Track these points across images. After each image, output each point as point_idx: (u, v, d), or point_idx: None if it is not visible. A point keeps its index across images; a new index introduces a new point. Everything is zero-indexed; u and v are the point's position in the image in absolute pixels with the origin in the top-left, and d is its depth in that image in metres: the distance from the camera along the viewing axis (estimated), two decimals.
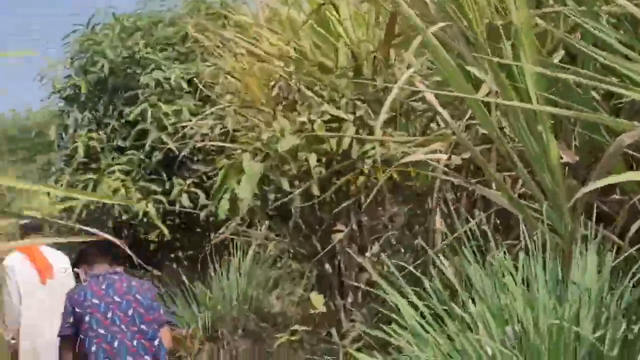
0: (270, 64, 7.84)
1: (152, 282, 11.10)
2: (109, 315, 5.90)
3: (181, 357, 9.89)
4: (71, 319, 5.98)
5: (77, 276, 6.62)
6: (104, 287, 6.01)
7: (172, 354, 9.82)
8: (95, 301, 5.93)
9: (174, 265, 12.21)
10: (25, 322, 8.46)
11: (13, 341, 8.66)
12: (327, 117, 7.01)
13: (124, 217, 11.00)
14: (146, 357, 5.92)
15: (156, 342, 5.99)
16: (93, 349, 5.86)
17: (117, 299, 5.97)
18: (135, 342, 5.90)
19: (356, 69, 7.04)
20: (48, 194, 12.30)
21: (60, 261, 8.53)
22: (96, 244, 6.26)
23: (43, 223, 10.01)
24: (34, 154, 20.25)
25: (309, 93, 7.41)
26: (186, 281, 10.41)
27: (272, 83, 7.67)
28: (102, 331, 5.88)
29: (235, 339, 9.51)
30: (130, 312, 5.94)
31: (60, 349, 6.20)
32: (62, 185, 11.64)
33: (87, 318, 5.90)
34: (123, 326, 5.90)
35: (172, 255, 12.75)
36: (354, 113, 6.90)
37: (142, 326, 5.95)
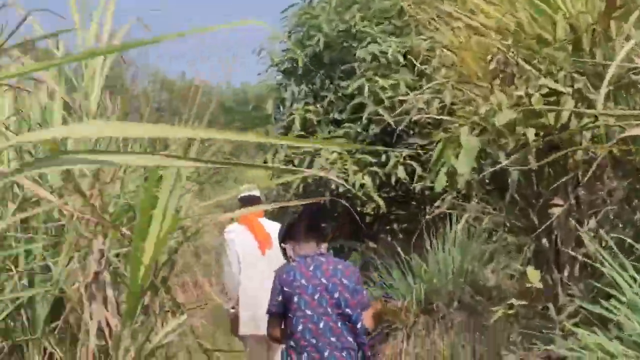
0: (487, 37, 7.82)
1: (364, 256, 11.31)
2: (317, 297, 6.17)
3: (396, 328, 10.02)
4: (280, 298, 6.28)
5: (284, 251, 6.87)
6: (311, 268, 6.28)
7: (388, 326, 10.01)
8: (304, 282, 6.21)
9: (389, 238, 12.34)
10: (248, 294, 8.79)
11: (232, 310, 9.02)
12: (545, 90, 6.95)
13: (341, 189, 11.15)
14: (349, 338, 6.15)
15: (359, 325, 6.20)
16: (299, 327, 6.15)
17: (324, 281, 6.22)
18: (339, 324, 6.15)
19: (575, 42, 6.93)
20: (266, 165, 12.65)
21: (277, 232, 8.81)
22: (305, 220, 6.67)
23: (259, 196, 10.35)
24: (251, 126, 20.83)
25: (527, 66, 7.35)
26: (402, 253, 10.50)
27: (489, 56, 7.64)
28: (309, 312, 6.15)
29: (450, 311, 9.55)
30: (336, 295, 6.18)
31: (268, 324, 6.54)
32: (278, 158, 11.94)
33: (295, 298, 6.19)
34: (329, 308, 6.15)
35: (388, 228, 12.89)
36: (573, 86, 6.80)
37: (347, 310, 6.17)
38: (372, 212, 12.65)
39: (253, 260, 8.68)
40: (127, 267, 5.05)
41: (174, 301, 6.97)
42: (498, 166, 7.04)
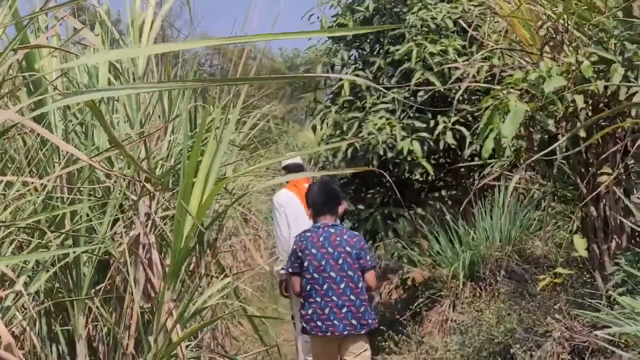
0: (537, 4, 7.74)
1: (412, 223, 11.31)
2: (323, 263, 7.62)
3: (442, 296, 10.03)
4: (298, 261, 7.75)
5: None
6: (321, 239, 7.68)
7: (434, 293, 10.02)
8: (314, 251, 7.66)
9: (437, 205, 12.29)
10: None
11: (282, 271, 9.24)
12: (594, 58, 6.87)
13: (389, 155, 11.10)
14: (351, 296, 7.56)
15: (360, 284, 7.63)
16: (308, 287, 7.68)
17: (330, 250, 7.64)
18: (342, 285, 7.58)
19: (626, 10, 6.84)
20: (314, 131, 12.64)
21: None
22: (321, 196, 7.99)
23: (302, 164, 10.59)
24: (301, 91, 20.79)
25: (577, 34, 7.28)
26: (450, 220, 10.47)
27: (539, 23, 7.57)
28: (316, 275, 7.64)
29: (497, 279, 9.52)
30: (340, 261, 7.60)
31: (292, 282, 8.00)
32: (327, 123, 11.93)
33: (306, 263, 7.67)
34: (333, 273, 7.59)
35: (436, 195, 12.83)
36: (623, 54, 6.72)
37: (349, 272, 7.60)
38: (421, 179, 12.61)
39: (303, 224, 8.80)
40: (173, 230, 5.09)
41: (218, 264, 7.02)
42: (551, 139, 6.97)
